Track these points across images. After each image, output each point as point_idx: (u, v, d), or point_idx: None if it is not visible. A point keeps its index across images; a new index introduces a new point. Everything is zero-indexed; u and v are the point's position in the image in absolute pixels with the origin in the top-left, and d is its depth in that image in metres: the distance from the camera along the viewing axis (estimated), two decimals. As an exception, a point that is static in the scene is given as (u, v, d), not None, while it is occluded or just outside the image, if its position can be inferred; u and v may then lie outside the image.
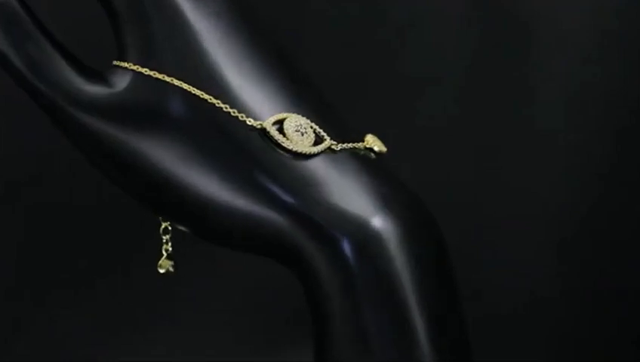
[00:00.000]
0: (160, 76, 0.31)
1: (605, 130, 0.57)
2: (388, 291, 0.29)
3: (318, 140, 0.31)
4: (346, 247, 0.29)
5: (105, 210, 0.58)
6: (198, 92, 0.30)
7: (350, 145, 0.31)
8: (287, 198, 0.30)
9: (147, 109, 0.31)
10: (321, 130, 0.31)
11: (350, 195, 0.30)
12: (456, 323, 0.30)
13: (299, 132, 0.30)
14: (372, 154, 0.32)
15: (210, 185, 0.30)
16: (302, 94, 0.32)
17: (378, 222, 0.29)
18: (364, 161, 0.31)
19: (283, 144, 0.30)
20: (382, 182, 0.31)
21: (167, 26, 0.31)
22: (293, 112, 0.31)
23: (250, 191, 0.30)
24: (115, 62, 0.32)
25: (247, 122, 0.30)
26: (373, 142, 0.32)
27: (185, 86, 0.30)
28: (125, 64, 0.31)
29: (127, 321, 0.59)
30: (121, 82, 0.31)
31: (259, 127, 0.30)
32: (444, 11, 0.57)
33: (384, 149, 0.32)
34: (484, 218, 0.59)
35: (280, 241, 0.30)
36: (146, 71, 0.31)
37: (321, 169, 0.30)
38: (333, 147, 0.31)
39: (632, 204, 0.58)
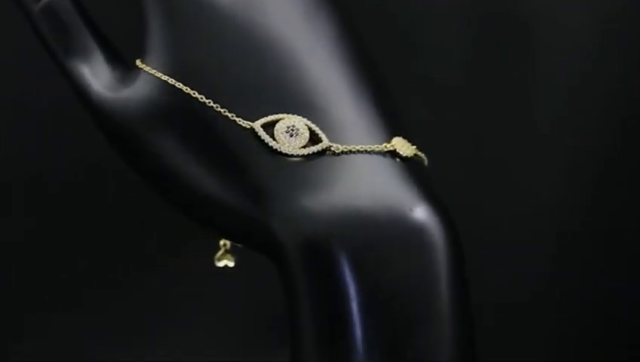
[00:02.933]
0: (159, 75, 0.32)
1: (605, 129, 0.57)
2: (370, 300, 0.29)
3: (314, 142, 0.31)
4: (312, 252, 0.29)
5: (105, 211, 0.58)
6: (191, 91, 0.31)
7: (359, 147, 0.31)
8: (268, 199, 0.30)
9: (145, 106, 0.32)
10: (320, 132, 0.31)
11: (338, 199, 0.30)
12: (461, 335, 0.30)
13: (288, 133, 0.31)
14: (397, 159, 0.31)
15: (202, 181, 0.31)
16: (318, 93, 0.32)
17: (364, 230, 0.29)
18: (376, 164, 0.31)
19: (269, 145, 0.30)
20: (389, 187, 0.30)
21: (174, 25, 0.32)
22: (296, 113, 0.31)
23: (236, 189, 0.31)
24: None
25: (238, 122, 0.31)
26: (396, 144, 0.31)
27: (178, 85, 0.31)
28: (138, 62, 0.33)
29: (127, 321, 0.59)
30: (133, 80, 0.32)
31: (248, 127, 0.31)
32: (444, 11, 0.57)
33: (410, 153, 0.31)
34: (484, 218, 0.59)
35: (265, 240, 0.30)
36: (148, 69, 0.32)
37: (309, 171, 0.30)
38: (333, 149, 0.31)
39: (632, 203, 0.58)
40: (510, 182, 0.59)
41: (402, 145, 0.31)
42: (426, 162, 0.33)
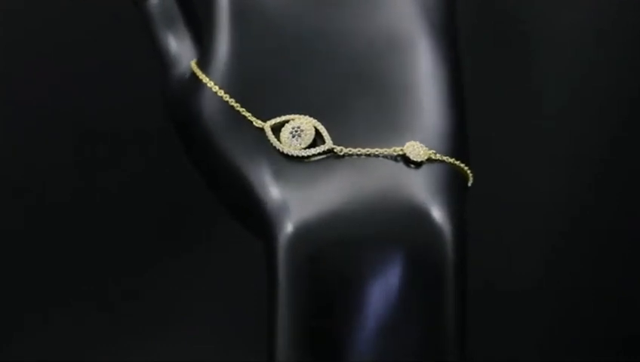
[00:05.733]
0: (197, 71, 0.34)
1: (604, 130, 0.58)
2: (355, 303, 0.29)
3: (317, 144, 0.31)
4: (293, 251, 0.29)
5: (105, 211, 0.58)
6: (216, 88, 0.33)
7: (365, 150, 0.31)
8: (267, 197, 0.31)
9: (187, 95, 0.34)
10: (326, 134, 0.31)
11: (328, 200, 0.30)
12: (458, 337, 0.30)
13: (292, 134, 0.31)
14: (411, 164, 0.31)
15: (223, 173, 0.32)
16: (341, 95, 0.32)
17: (346, 230, 0.29)
18: (381, 168, 0.31)
19: (273, 144, 0.31)
20: (390, 190, 0.30)
21: (217, 23, 0.34)
22: (313, 115, 0.32)
23: (243, 183, 0.31)
24: None
25: (253, 122, 0.32)
26: (407, 148, 0.31)
27: (209, 83, 0.33)
28: (192, 63, 0.35)
29: (127, 322, 0.59)
30: (189, 72, 0.35)
31: (260, 127, 0.32)
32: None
33: (423, 158, 0.31)
34: (482, 215, 0.59)
35: (265, 234, 0.31)
36: (195, 65, 0.34)
37: (308, 171, 0.31)
38: (336, 151, 0.31)
39: (631, 201, 0.58)
40: (508, 180, 0.59)
41: (414, 150, 0.31)
42: (457, 166, 0.32)
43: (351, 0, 0.34)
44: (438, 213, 0.30)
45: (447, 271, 0.30)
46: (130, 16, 0.54)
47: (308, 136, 0.31)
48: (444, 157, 0.31)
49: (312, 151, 0.31)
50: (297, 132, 0.31)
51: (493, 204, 0.59)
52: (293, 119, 0.32)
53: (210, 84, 0.33)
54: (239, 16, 0.33)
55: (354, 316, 0.29)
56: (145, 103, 0.56)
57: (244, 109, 0.32)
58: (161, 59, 0.36)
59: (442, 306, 0.30)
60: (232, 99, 0.32)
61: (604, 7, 0.56)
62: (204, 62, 0.34)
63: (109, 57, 0.55)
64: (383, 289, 0.29)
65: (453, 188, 0.31)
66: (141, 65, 0.56)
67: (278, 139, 0.31)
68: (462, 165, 0.32)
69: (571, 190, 0.59)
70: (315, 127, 0.31)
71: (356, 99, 0.32)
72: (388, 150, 0.31)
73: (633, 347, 0.58)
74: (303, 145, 0.31)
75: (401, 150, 0.31)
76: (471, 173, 0.33)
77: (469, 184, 0.33)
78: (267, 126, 0.32)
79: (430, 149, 0.31)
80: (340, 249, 0.29)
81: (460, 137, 0.33)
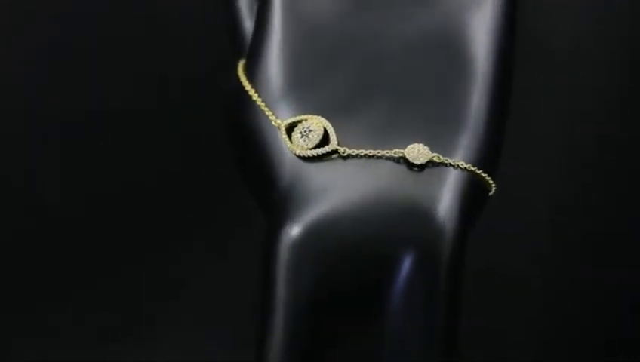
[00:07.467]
0: (239, 70, 0.35)
1: (605, 129, 0.58)
2: (339, 302, 0.30)
3: (323, 144, 0.32)
4: (285, 250, 0.30)
5: (105, 211, 0.58)
6: (248, 87, 0.34)
7: (367, 151, 0.31)
8: (274, 194, 0.31)
9: (231, 88, 0.35)
10: (333, 135, 0.32)
11: (329, 200, 0.30)
12: (450, 342, 0.30)
13: (301, 134, 0.32)
14: (413, 167, 0.31)
15: (248, 161, 0.34)
16: (366, 96, 0.33)
17: (344, 234, 0.30)
18: (382, 169, 0.31)
19: (284, 143, 0.32)
20: (387, 192, 0.30)
21: (267, 23, 0.34)
22: (331, 116, 0.32)
23: (262, 177, 0.32)
24: None
25: (272, 121, 0.33)
26: (407, 150, 0.31)
27: (244, 82, 0.34)
28: (241, 64, 0.36)
29: (126, 322, 0.59)
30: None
31: (276, 125, 0.32)
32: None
33: (423, 161, 0.31)
34: (482, 217, 0.59)
35: (268, 232, 0.31)
36: (241, 65, 0.35)
37: (311, 171, 0.31)
38: (340, 151, 0.31)
39: (630, 203, 0.58)
40: (508, 179, 0.59)
41: (414, 152, 0.31)
42: (469, 171, 0.32)
43: (396, 1, 0.34)
44: (437, 215, 0.30)
45: (442, 272, 0.30)
46: (130, 16, 0.54)
47: (315, 136, 0.32)
48: (450, 161, 0.31)
49: (317, 151, 0.31)
50: (306, 132, 0.32)
51: (493, 204, 0.59)
52: (305, 119, 0.32)
53: (245, 82, 0.34)
54: (287, 19, 0.34)
55: (352, 316, 0.29)
56: (146, 103, 0.56)
57: (267, 108, 0.33)
58: (238, 46, 0.37)
59: (437, 307, 0.30)
60: (260, 98, 0.33)
61: (605, 9, 0.56)
62: (249, 59, 0.34)
63: (109, 56, 0.55)
64: (383, 289, 0.29)
65: (459, 192, 0.31)
66: (142, 64, 0.56)
67: (292, 139, 0.32)
68: (475, 169, 0.32)
69: (571, 190, 0.59)
70: (325, 128, 0.32)
71: (380, 101, 0.32)
72: (389, 152, 0.31)
73: (633, 347, 0.59)
74: (310, 146, 0.32)
75: (402, 152, 0.31)
76: (491, 179, 0.33)
77: (491, 191, 0.33)
78: (282, 125, 0.32)
79: (434, 152, 0.31)
80: (340, 249, 0.29)
81: (483, 144, 0.32)
